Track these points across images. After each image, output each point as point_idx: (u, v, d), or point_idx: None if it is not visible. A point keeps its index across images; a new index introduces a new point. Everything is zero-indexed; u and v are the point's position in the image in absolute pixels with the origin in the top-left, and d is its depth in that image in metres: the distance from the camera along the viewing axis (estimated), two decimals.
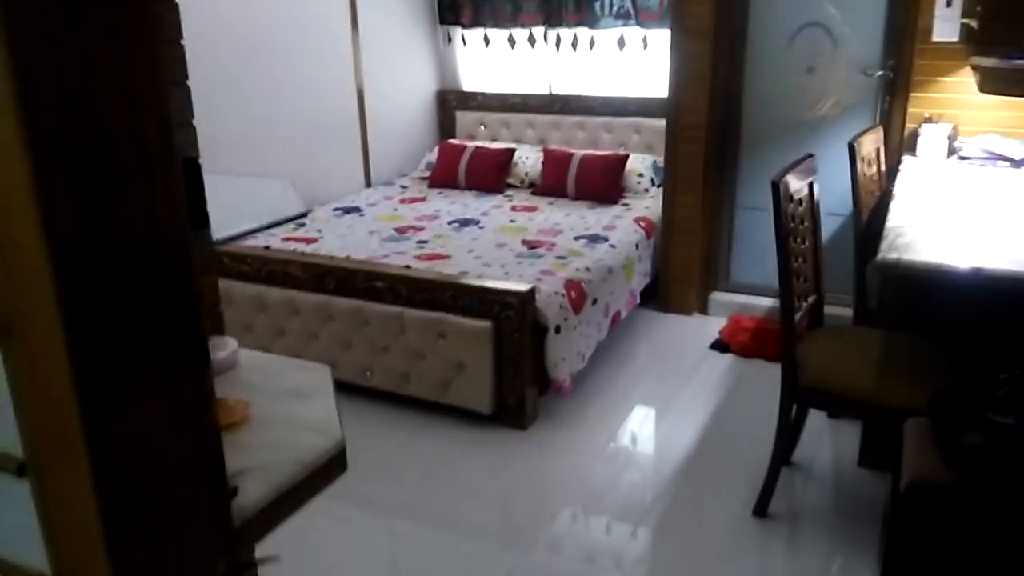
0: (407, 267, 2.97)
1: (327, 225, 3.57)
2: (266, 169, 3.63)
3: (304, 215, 3.72)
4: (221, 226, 3.36)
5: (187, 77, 1.32)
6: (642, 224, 3.65)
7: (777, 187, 2.10)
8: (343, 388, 2.17)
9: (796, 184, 2.23)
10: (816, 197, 2.38)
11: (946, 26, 2.96)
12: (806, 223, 2.34)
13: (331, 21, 3.94)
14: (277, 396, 1.26)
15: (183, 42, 1.30)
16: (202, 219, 1.31)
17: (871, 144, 2.83)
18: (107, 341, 0.77)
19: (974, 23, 2.35)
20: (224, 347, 1.32)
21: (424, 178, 4.41)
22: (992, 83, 2.00)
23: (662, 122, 3.71)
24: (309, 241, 3.32)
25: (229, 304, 2.96)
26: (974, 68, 2.06)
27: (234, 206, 3.41)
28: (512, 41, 4.54)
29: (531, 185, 4.22)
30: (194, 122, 1.36)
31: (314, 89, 3.88)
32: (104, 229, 0.75)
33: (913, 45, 3.03)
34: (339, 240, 3.34)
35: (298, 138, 3.80)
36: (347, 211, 3.83)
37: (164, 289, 0.82)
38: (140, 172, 0.78)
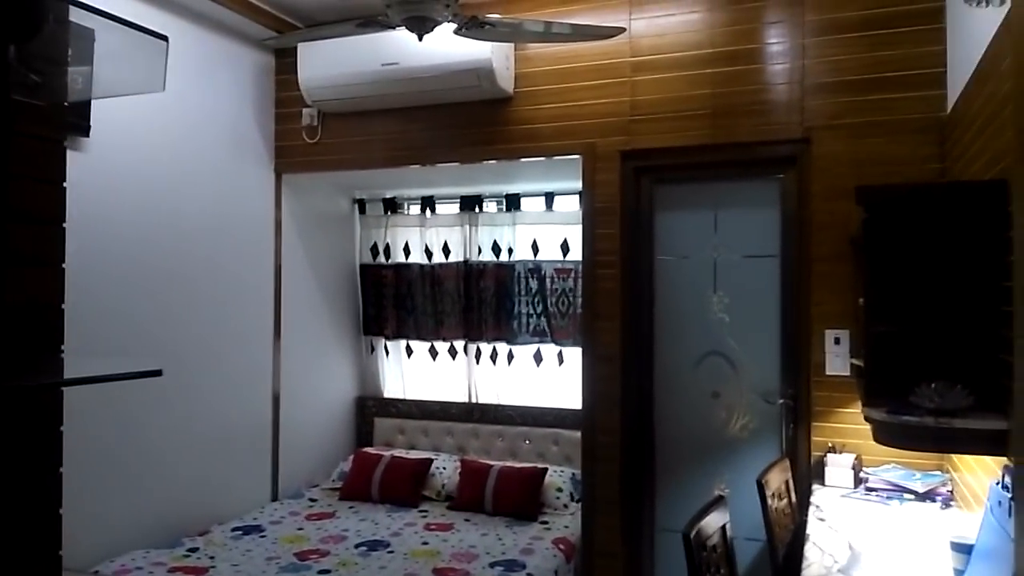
0: None
1: (221, 551, 3.29)
2: (167, 483, 3.42)
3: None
4: (108, 547, 3.09)
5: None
6: (561, 547, 3.50)
7: (689, 539, 2.05)
8: None
9: (708, 531, 2.18)
10: (729, 540, 2.33)
11: (837, 361, 3.17)
12: (722, 570, 2.26)
13: (256, 328, 4.00)
14: None
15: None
16: None
17: (779, 478, 2.86)
18: None
19: (861, 363, 2.51)
20: None
21: (336, 489, 4.22)
22: (886, 436, 2.07)
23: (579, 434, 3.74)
24: (198, 573, 3.03)
25: None
26: (866, 418, 2.16)
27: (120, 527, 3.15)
28: (434, 352, 4.67)
29: (448, 498, 4.08)
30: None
31: (229, 398, 3.81)
32: None
33: (808, 377, 3.22)
34: (232, 571, 3.06)
35: (206, 448, 3.65)
36: (247, 531, 3.57)
37: None
38: None
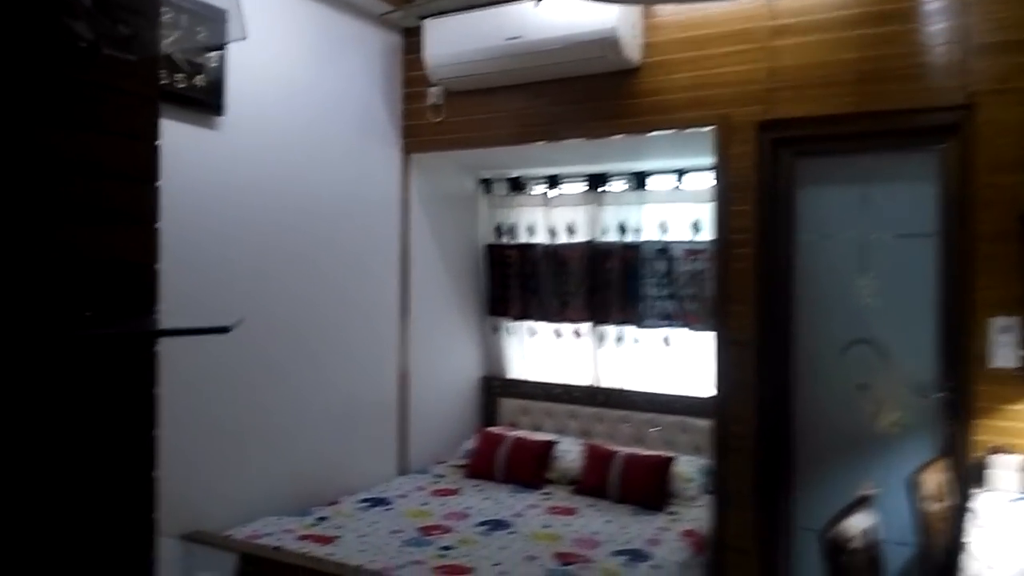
0: None
1: (349, 521, 3.38)
2: (297, 455, 3.55)
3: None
4: (241, 513, 3.25)
5: None
6: (690, 539, 3.35)
7: (827, 540, 1.87)
8: None
9: (849, 532, 1.99)
10: (876, 544, 2.12)
11: (1004, 352, 2.83)
12: (866, 575, 2.06)
13: (382, 307, 4.07)
14: None
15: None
16: None
17: (934, 479, 2.59)
18: None
19: None
20: None
21: (462, 466, 4.25)
22: None
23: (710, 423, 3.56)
24: (325, 541, 3.11)
25: None
26: None
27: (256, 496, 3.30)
28: (558, 334, 4.60)
29: (571, 482, 4.00)
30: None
31: (356, 374, 3.90)
32: None
33: (970, 369, 2.89)
34: (358, 541, 3.13)
35: (334, 422, 3.76)
36: (374, 503, 3.65)
37: None
38: None
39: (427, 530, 3.31)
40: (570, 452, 4.13)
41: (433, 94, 3.99)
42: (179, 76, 2.93)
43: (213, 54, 3.05)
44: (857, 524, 2.05)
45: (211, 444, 3.15)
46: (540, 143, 3.84)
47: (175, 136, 2.98)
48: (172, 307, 2.99)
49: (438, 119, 4.03)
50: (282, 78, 3.44)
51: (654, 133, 3.56)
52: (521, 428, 4.53)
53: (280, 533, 3.16)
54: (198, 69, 3.00)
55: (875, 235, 3.22)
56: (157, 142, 1.31)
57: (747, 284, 3.32)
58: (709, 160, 3.49)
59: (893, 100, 3.03)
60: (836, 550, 1.91)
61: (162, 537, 2.95)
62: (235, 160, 3.22)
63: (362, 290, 3.94)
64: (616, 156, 4.16)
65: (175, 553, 2.98)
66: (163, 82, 2.85)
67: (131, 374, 1.25)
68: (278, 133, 3.43)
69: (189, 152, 3.01)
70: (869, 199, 3.23)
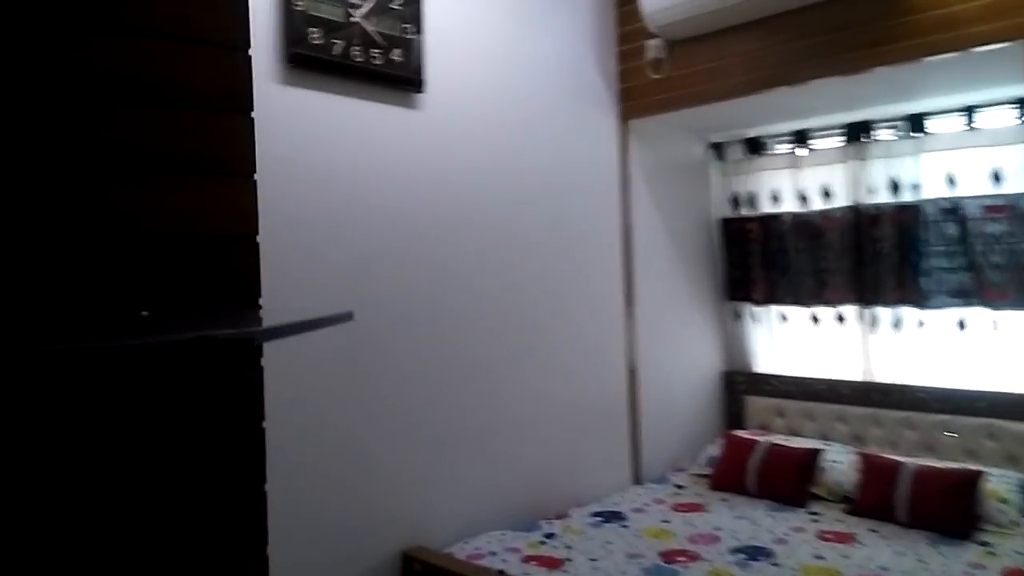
0: None
1: (580, 540, 2.96)
2: (522, 462, 3.21)
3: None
4: (464, 527, 2.97)
5: None
6: None
7: None
8: None
9: None
10: None
11: None
12: None
13: (604, 295, 3.62)
14: None
15: None
16: None
17: None
18: None
19: None
20: None
21: (704, 476, 3.69)
22: None
23: None
24: (553, 565, 2.72)
25: None
26: None
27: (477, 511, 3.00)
28: (816, 320, 3.86)
29: (844, 499, 3.29)
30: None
31: (580, 370, 3.49)
32: None
33: None
34: (590, 568, 2.70)
35: (559, 425, 3.38)
36: (607, 518, 3.21)
37: None
38: None
39: (670, 556, 2.81)
40: (840, 463, 3.41)
41: (652, 47, 3.46)
42: (375, 52, 2.67)
43: (409, 25, 2.77)
44: None
45: (430, 452, 2.90)
46: (781, 89, 3.16)
47: (375, 118, 2.76)
48: (388, 299, 2.74)
49: (660, 75, 3.48)
50: (484, 47, 3.10)
51: (934, 58, 2.76)
52: (774, 432, 3.87)
53: (504, 552, 2.82)
54: (395, 43, 2.73)
55: None
56: (248, 52, 0.93)
57: None
58: (1014, 90, 2.63)
59: None
60: None
61: (381, 553, 2.74)
62: (438, 140, 2.93)
63: (581, 277, 3.51)
64: (881, 96, 3.36)
65: (394, 569, 2.75)
66: (357, 60, 2.61)
67: (219, 396, 0.88)
68: (482, 108, 3.09)
69: (389, 134, 2.77)
70: None
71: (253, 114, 0.92)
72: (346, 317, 0.82)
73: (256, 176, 0.92)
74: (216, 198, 0.88)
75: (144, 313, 0.78)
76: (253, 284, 0.91)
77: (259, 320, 0.82)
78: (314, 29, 2.50)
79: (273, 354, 2.28)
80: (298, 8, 2.47)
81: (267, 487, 0.86)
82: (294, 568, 2.44)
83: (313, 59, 2.52)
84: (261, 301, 0.94)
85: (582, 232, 3.52)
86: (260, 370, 0.90)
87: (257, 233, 0.92)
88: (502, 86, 3.17)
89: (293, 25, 2.46)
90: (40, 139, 0.75)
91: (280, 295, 2.44)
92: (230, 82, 0.91)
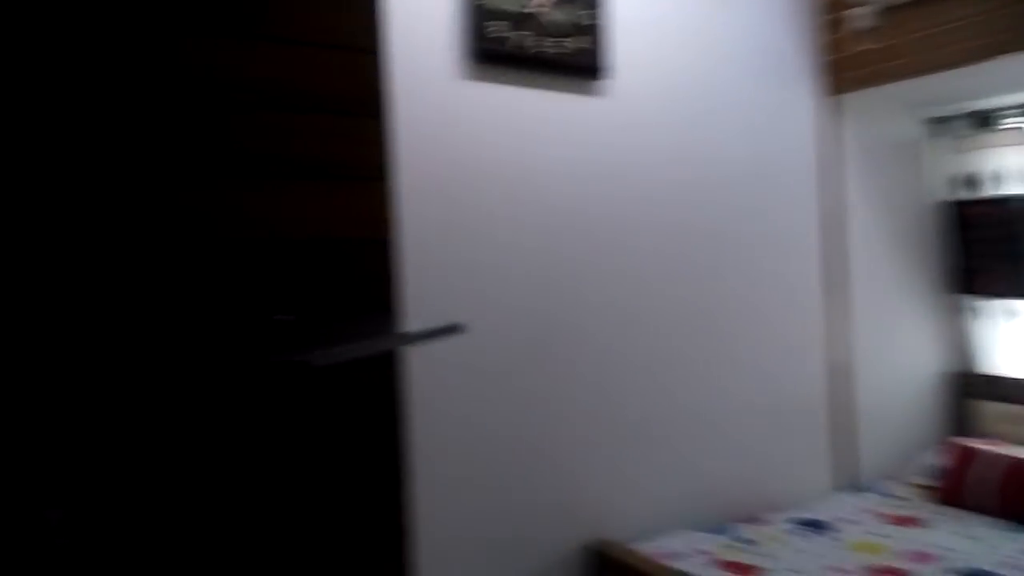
0: None
1: (778, 548, 2.77)
2: (713, 459, 3.07)
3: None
4: (649, 523, 2.88)
5: None
6: None
7: None
8: None
9: None
10: None
11: None
12: None
13: (803, 286, 3.37)
14: None
15: None
16: None
17: None
18: None
19: None
20: None
21: (923, 487, 3.32)
22: None
23: None
24: (748, 573, 2.56)
25: None
26: None
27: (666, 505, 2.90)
28: None
29: None
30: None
31: (776, 365, 3.28)
32: None
33: None
34: None
35: (753, 423, 3.20)
36: (809, 525, 2.98)
37: None
38: None
39: (880, 574, 2.55)
40: None
41: (860, 14, 3.16)
42: (556, 41, 2.65)
43: (592, 11, 2.73)
44: None
45: (612, 449, 2.85)
46: (1016, 55, 2.76)
47: (554, 109, 2.74)
48: (567, 296, 2.73)
49: (871, 45, 3.17)
50: (671, 28, 2.98)
51: None
52: (1008, 442, 3.40)
53: (693, 554, 2.70)
54: (576, 30, 2.69)
55: None
56: (378, 55, 0.92)
57: None
58: None
59: None
60: None
61: (563, 545, 2.73)
62: (621, 128, 2.86)
63: (772, 269, 3.28)
64: None
65: (576, 562, 2.72)
66: (537, 50, 2.61)
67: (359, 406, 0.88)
68: (669, 93, 2.98)
69: (570, 125, 2.74)
70: None
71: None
72: (456, 329, 0.79)
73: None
74: (350, 202, 0.89)
75: (281, 317, 0.80)
76: (388, 287, 0.90)
77: (391, 325, 0.81)
78: (494, 22, 2.52)
79: (452, 350, 2.36)
80: (479, 2, 2.50)
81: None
82: (477, 550, 2.51)
83: (493, 52, 2.54)
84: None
85: (774, 221, 3.29)
86: (394, 378, 0.89)
87: (393, 236, 0.92)
88: (691, 67, 3.03)
89: (474, 20, 2.50)
90: (181, 148, 0.78)
91: (454, 296, 2.52)
92: (363, 86, 0.91)
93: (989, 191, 3.56)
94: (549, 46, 2.64)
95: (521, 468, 2.64)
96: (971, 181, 3.62)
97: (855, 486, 3.42)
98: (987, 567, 2.55)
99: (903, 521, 3.01)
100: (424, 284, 2.36)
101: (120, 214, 0.78)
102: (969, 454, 3.23)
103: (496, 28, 2.53)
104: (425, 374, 2.34)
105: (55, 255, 0.77)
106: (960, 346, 3.74)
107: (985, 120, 3.56)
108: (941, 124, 3.72)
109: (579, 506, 2.76)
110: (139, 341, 0.78)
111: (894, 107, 3.62)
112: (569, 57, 2.68)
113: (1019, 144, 3.44)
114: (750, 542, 2.83)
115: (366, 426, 0.91)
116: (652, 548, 2.73)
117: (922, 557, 2.67)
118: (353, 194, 0.90)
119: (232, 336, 0.79)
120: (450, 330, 0.89)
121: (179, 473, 0.81)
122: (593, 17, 2.72)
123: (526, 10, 2.59)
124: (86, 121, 0.78)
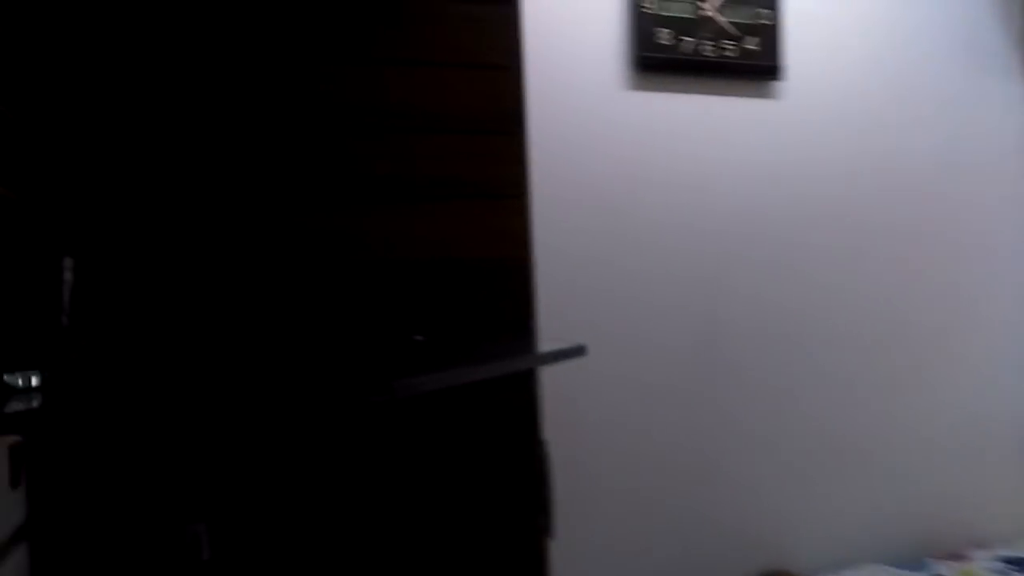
0: None
1: None
2: (907, 488, 2.82)
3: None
4: (834, 555, 2.68)
5: None
6: None
7: None
8: None
9: None
10: None
11: None
12: None
13: (1008, 297, 3.03)
14: None
15: None
16: None
17: None
18: None
19: None
20: None
21: None
22: None
23: None
24: None
25: None
26: None
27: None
28: None
29: None
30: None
31: (978, 386, 2.96)
32: None
33: None
34: None
35: (952, 450, 2.90)
36: (1015, 565, 2.66)
37: None
38: None
39: None
40: None
41: None
42: (728, 44, 2.55)
43: (766, 10, 2.60)
44: None
45: (792, 474, 2.68)
46: None
47: (727, 114, 2.63)
48: (742, 309, 2.61)
49: None
50: (853, 20, 2.78)
51: None
52: None
53: None
54: (750, 31, 2.57)
55: None
56: (518, 69, 0.88)
57: None
58: None
59: None
60: None
61: (734, 573, 2.60)
62: (799, 130, 2.69)
63: (984, 273, 2.97)
64: None
65: None
66: (708, 55, 2.51)
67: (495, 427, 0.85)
68: (852, 90, 2.77)
69: (743, 129, 2.62)
70: None
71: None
72: (581, 351, 0.74)
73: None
74: (486, 221, 0.86)
75: (418, 338, 0.79)
76: (525, 307, 0.87)
77: (528, 346, 0.78)
78: (663, 29, 2.46)
79: (616, 366, 2.31)
80: (647, 11, 2.45)
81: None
82: (642, 571, 2.44)
83: (662, 60, 2.48)
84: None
85: (980, 222, 2.97)
86: (532, 398, 0.85)
87: (528, 254, 0.89)
88: (875, 62, 2.81)
89: (641, 28, 2.45)
90: (315, 173, 0.78)
91: (621, 304, 2.46)
92: (499, 103, 0.88)
93: None
94: (719, 50, 2.53)
95: (690, 484, 2.54)
96: None
97: None
98: None
99: None
100: (590, 296, 2.35)
101: (261, 238, 0.81)
102: None
103: (668, 36, 2.47)
104: (589, 388, 2.31)
105: (199, 281, 0.81)
106: None
107: None
108: None
109: (755, 529, 2.61)
110: (277, 361, 0.80)
111: None
112: (741, 60, 2.56)
113: None
114: None
115: (499, 447, 0.89)
116: None
117: None
118: (488, 213, 0.88)
119: (368, 357, 0.80)
120: (575, 352, 0.86)
121: (314, 488, 0.83)
122: (765, 17, 2.59)
123: (697, 15, 2.50)
124: (224, 149, 0.82)
